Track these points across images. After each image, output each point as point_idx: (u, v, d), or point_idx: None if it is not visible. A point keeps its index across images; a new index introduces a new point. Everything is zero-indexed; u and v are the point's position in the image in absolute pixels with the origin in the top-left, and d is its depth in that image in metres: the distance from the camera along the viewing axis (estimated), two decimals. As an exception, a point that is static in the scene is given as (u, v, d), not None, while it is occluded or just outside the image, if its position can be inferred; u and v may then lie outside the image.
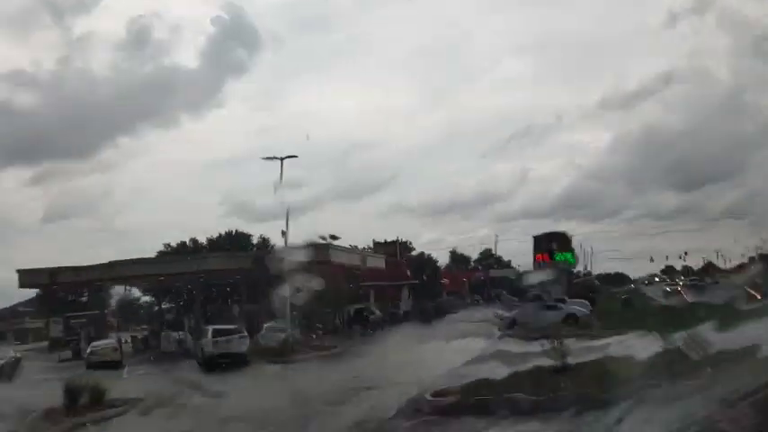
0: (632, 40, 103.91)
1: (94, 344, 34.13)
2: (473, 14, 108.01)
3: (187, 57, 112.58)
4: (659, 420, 5.51)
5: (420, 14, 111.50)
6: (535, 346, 20.97)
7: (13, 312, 65.34)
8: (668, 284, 63.77)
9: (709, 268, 78.34)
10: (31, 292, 54.79)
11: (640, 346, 14.41)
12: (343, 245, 50.29)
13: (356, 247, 57.96)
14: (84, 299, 52.73)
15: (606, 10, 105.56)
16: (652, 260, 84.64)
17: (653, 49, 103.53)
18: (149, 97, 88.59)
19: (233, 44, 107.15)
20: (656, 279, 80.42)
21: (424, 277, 66.89)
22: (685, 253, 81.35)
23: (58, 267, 47.45)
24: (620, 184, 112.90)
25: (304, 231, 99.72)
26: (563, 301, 36.89)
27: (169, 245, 61.09)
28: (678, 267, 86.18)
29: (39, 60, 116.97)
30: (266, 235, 60.64)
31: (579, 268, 69.64)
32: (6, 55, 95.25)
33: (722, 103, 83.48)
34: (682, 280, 68.78)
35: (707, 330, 11.26)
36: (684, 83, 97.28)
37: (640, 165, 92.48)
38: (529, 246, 49.10)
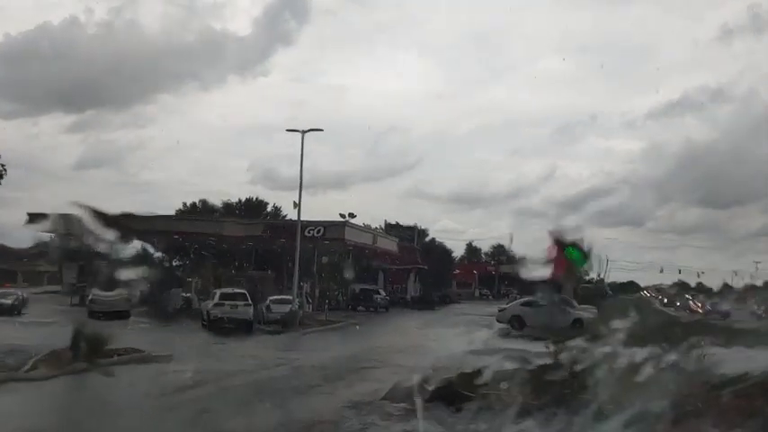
0: (683, 52, 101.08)
1: (96, 292, 32.65)
2: (522, 8, 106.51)
3: (239, 21, 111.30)
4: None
5: (472, 3, 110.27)
6: (523, 342, 21.41)
7: (25, 255, 65.90)
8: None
9: (724, 289, 77.38)
10: (45, 236, 55.10)
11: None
12: (358, 224, 50.31)
13: (369, 226, 58.10)
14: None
15: (660, 19, 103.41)
16: (662, 271, 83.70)
17: (702, 62, 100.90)
18: (195, 58, 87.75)
19: (285, 14, 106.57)
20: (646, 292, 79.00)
21: (435, 264, 66.82)
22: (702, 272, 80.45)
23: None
24: (648, 194, 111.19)
25: (323, 206, 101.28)
26: (571, 304, 36.47)
27: (185, 204, 62.04)
28: (692, 284, 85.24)
29: (92, 8, 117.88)
30: (282, 204, 61.14)
31: (593, 275, 69.13)
32: (61, 1, 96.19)
33: (764, 126, 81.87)
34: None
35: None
36: (730, 101, 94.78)
37: (671, 177, 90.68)
38: (546, 245, 48.90)
